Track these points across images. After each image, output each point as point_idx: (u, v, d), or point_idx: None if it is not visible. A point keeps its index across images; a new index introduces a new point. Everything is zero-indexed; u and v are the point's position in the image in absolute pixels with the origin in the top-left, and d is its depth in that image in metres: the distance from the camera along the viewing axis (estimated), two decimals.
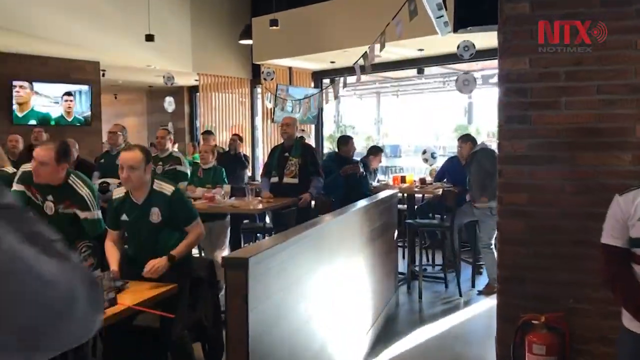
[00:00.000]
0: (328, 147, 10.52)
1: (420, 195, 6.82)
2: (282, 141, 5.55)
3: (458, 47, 6.78)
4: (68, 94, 8.31)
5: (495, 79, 10.44)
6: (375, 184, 6.78)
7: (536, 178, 2.58)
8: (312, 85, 9.83)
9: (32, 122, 7.96)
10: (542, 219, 2.56)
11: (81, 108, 8.52)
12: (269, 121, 9.68)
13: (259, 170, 8.13)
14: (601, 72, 2.43)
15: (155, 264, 2.92)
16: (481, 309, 5.00)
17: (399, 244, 5.91)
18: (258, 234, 5.99)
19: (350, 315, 3.65)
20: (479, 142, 5.86)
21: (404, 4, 4.28)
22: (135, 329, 2.90)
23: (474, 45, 6.73)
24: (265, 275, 2.29)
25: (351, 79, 6.23)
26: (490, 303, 5.05)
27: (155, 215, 3.01)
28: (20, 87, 7.84)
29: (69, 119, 8.34)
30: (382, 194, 4.89)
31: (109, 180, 4.82)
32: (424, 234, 5.92)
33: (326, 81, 9.63)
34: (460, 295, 5.30)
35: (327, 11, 7.99)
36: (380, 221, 4.44)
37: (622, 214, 1.90)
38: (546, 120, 2.55)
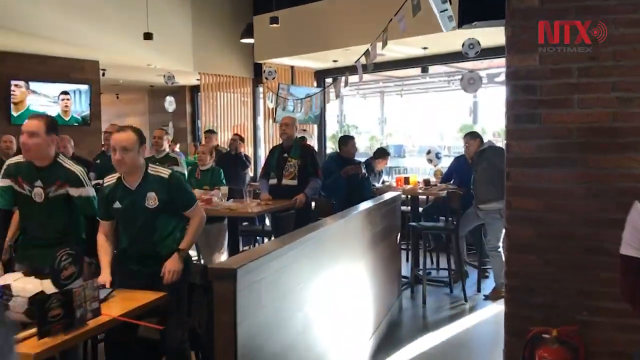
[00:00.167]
0: (331, 147, 10.40)
1: (425, 197, 6.67)
2: (282, 141, 5.40)
3: (463, 45, 6.65)
4: (65, 93, 8.18)
5: (501, 78, 10.33)
6: (378, 185, 6.64)
7: (546, 181, 2.42)
8: (315, 84, 9.71)
9: None
10: (553, 224, 2.40)
11: (80, 107, 8.40)
12: (270, 121, 9.55)
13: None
14: (617, 67, 2.27)
15: (172, 268, 2.80)
16: (487, 315, 4.85)
17: (402, 247, 5.77)
18: (258, 237, 5.86)
19: (351, 322, 3.52)
20: (485, 140, 5.67)
21: None
22: (136, 340, 2.76)
23: (479, 43, 6.59)
24: (256, 285, 2.15)
25: (354, 78, 6.09)
26: (497, 309, 4.90)
27: (152, 199, 2.83)
28: (16, 86, 7.73)
29: (66, 119, 8.20)
30: (385, 196, 4.75)
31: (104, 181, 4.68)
32: (428, 236, 5.77)
33: (329, 80, 9.50)
34: (466, 301, 5.15)
35: (330, 9, 7.87)
36: (382, 224, 4.30)
37: None
38: (557, 120, 2.39)
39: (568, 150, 2.41)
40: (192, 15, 8.89)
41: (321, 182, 5.28)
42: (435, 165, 7.91)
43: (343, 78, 5.85)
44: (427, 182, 6.71)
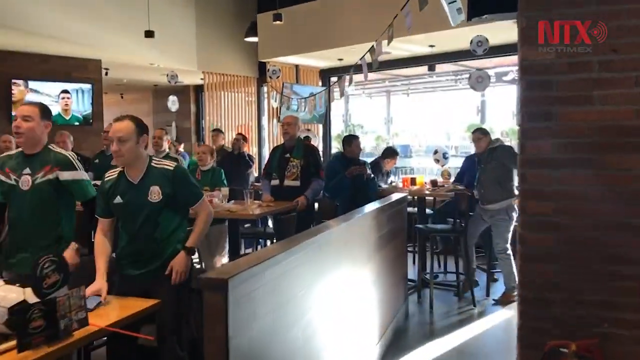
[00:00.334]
0: (336, 147, 10.26)
1: (432, 198, 6.51)
2: (283, 141, 5.26)
3: (471, 42, 6.49)
4: (65, 91, 8.07)
5: (509, 77, 10.13)
6: (384, 185, 6.48)
7: (563, 184, 2.26)
8: (320, 83, 9.57)
9: None
10: (571, 230, 2.23)
11: (82, 107, 8.29)
12: (275, 121, 9.42)
13: None
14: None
15: (179, 267, 2.68)
16: (498, 320, 4.69)
17: (409, 250, 5.61)
18: (260, 240, 5.72)
19: (356, 329, 3.38)
20: (493, 139, 5.49)
21: None
22: (136, 348, 2.63)
23: (487, 40, 6.42)
24: (252, 295, 2.00)
25: (359, 77, 5.93)
26: (507, 314, 4.75)
27: (156, 193, 2.69)
28: (15, 84, 7.62)
29: (67, 117, 8.09)
30: (392, 198, 4.59)
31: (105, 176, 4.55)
32: (435, 239, 5.61)
33: (334, 79, 9.36)
34: (475, 305, 4.99)
35: (334, 6, 7.74)
36: (388, 227, 4.15)
37: None
38: (575, 118, 2.22)
39: (587, 150, 2.23)
40: (195, 14, 8.78)
41: (323, 183, 5.13)
42: (442, 166, 7.75)
43: (347, 76, 5.70)
44: (434, 183, 6.55)
